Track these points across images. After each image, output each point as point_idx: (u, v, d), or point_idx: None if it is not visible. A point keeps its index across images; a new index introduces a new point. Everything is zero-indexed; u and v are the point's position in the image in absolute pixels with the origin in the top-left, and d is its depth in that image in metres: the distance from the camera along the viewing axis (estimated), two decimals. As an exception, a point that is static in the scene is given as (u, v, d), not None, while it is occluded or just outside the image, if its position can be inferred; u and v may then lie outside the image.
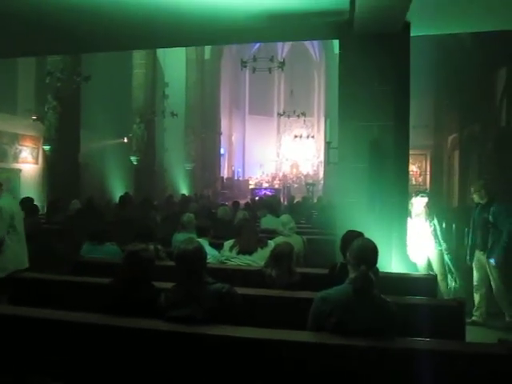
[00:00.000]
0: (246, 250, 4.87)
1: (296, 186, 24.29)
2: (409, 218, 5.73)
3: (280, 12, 5.63)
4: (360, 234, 3.96)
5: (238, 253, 4.88)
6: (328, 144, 6.64)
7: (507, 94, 13.16)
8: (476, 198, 5.49)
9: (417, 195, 5.94)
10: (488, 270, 5.39)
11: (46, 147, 12.80)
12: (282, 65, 13.18)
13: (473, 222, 5.56)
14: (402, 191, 5.44)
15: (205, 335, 2.73)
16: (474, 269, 5.55)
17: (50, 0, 5.54)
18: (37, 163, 17.24)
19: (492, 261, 5.28)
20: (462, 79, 15.34)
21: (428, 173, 20.82)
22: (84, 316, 2.95)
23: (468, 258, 5.59)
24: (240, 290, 3.49)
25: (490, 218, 5.28)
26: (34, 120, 14.86)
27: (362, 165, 5.40)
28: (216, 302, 2.88)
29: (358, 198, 5.43)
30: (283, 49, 25.02)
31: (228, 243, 5.05)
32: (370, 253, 2.82)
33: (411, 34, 5.73)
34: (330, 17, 5.65)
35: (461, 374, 2.36)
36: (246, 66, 12.65)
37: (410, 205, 5.80)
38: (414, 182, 19.80)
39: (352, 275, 2.84)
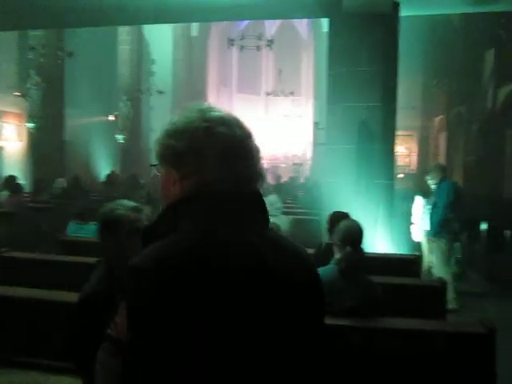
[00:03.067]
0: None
1: (284, 165, 24.24)
2: (418, 196, 5.77)
3: (269, -11, 5.55)
4: (346, 215, 3.99)
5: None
6: (316, 125, 6.62)
7: (494, 76, 13.21)
8: (430, 179, 5.40)
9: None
10: (429, 248, 5.43)
11: (30, 125, 12.57)
12: (270, 43, 13.01)
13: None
14: (388, 172, 5.47)
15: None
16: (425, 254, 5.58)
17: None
18: (21, 140, 16.95)
19: (429, 235, 5.31)
20: (449, 60, 15.36)
21: (414, 153, 20.95)
22: (68, 295, 2.94)
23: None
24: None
25: (435, 196, 5.28)
26: (16, 96, 14.54)
27: (350, 146, 5.41)
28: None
29: (345, 179, 5.46)
30: (271, 27, 24.68)
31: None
32: (355, 234, 2.84)
33: (401, 14, 5.70)
34: (319, -5, 5.59)
35: (442, 353, 2.42)
36: (233, 45, 12.47)
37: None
38: (401, 163, 19.95)
39: (338, 256, 2.87)
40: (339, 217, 3.86)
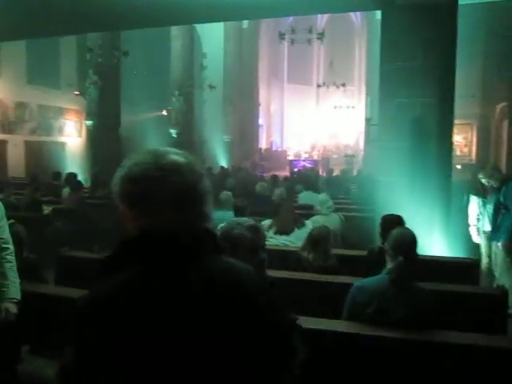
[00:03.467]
0: (284, 231, 4.88)
1: (335, 156, 23.91)
2: (473, 196, 5.51)
3: (319, -16, 5.44)
4: (399, 218, 3.90)
5: (276, 233, 4.91)
6: (368, 121, 6.46)
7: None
8: (492, 182, 5.05)
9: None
10: (493, 254, 5.07)
11: (88, 122, 13.10)
12: (321, 36, 12.81)
13: (491, 207, 5.17)
14: (445, 173, 5.25)
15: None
16: (494, 256, 5.17)
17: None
18: (80, 136, 17.73)
19: (498, 243, 4.92)
20: (511, 45, 14.47)
21: (474, 143, 20.01)
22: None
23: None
24: (276, 273, 3.53)
25: (501, 198, 4.92)
26: (76, 95, 15.20)
27: (403, 144, 5.24)
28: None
29: (399, 178, 5.30)
30: (323, 17, 24.23)
31: (265, 223, 5.07)
32: (407, 243, 2.76)
33: (459, 3, 5.42)
34: (371, -12, 5.41)
35: (503, 372, 2.31)
36: (284, 39, 12.37)
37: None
38: (458, 153, 19.13)
39: (389, 265, 2.80)
40: (392, 221, 3.77)
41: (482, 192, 5.40)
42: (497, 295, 3.40)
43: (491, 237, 5.08)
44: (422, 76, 5.14)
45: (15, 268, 2.77)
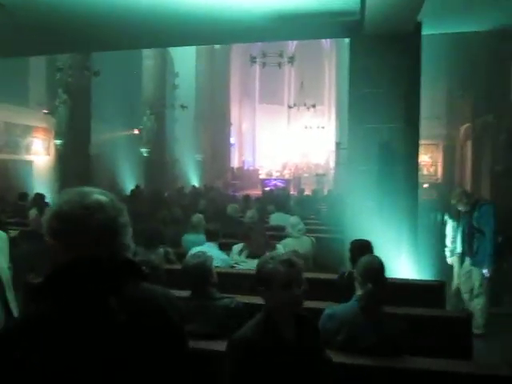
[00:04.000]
0: (255, 254, 4.88)
1: (306, 175, 24.21)
2: (449, 220, 5.61)
3: (290, 12, 5.58)
4: (368, 243, 3.98)
5: (247, 257, 4.91)
6: (338, 145, 6.60)
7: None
8: (460, 206, 5.20)
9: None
10: (472, 278, 5.17)
11: (58, 141, 12.91)
12: (291, 60, 13.09)
13: (462, 230, 5.32)
14: (412, 194, 5.41)
15: (212, 351, 2.77)
16: (463, 278, 5.33)
17: (61, 2, 5.54)
18: (48, 154, 17.39)
19: (483, 271, 5.03)
20: (475, 69, 15.10)
21: (440, 163, 20.61)
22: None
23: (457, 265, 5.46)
24: (247, 299, 3.53)
25: (474, 222, 5.06)
26: (45, 114, 14.97)
27: (372, 167, 5.38)
28: (225, 318, 2.91)
29: (368, 200, 5.43)
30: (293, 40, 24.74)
31: (237, 247, 5.08)
32: (376, 271, 2.82)
33: (423, 33, 5.65)
34: (340, 16, 5.59)
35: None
36: (255, 62, 12.59)
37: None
38: (425, 172, 19.66)
39: (359, 292, 2.86)
40: (360, 246, 3.85)
41: (456, 215, 5.51)
42: (462, 318, 3.50)
43: (472, 262, 5.17)
44: (388, 102, 5.32)
45: None
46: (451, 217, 5.58)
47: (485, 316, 4.99)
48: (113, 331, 1.15)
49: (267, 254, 2.15)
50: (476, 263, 5.11)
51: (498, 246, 4.99)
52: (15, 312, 2.99)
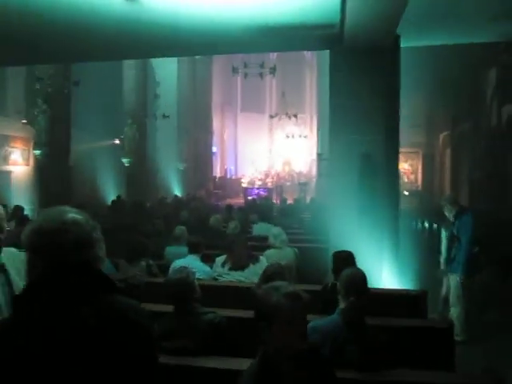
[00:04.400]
0: (238, 266, 4.89)
1: (289, 184, 24.31)
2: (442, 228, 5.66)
3: (271, 24, 5.62)
4: (350, 255, 4.00)
5: (230, 269, 4.91)
6: (319, 156, 6.66)
7: (497, 94, 13.26)
8: (446, 212, 5.31)
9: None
10: (449, 285, 5.29)
11: (37, 151, 12.73)
12: (273, 70, 13.20)
13: (446, 238, 5.42)
14: (393, 205, 5.47)
15: (197, 368, 2.75)
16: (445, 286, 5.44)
17: (41, 11, 5.49)
18: (28, 164, 17.11)
19: (456, 276, 5.16)
20: (453, 80, 15.43)
21: (420, 170, 20.93)
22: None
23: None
24: (231, 312, 3.52)
25: (455, 231, 5.18)
26: (24, 123, 14.75)
27: (353, 177, 5.43)
28: (209, 333, 2.90)
29: (350, 210, 5.47)
30: (275, 47, 24.91)
31: (220, 259, 5.07)
32: (358, 284, 2.84)
33: (401, 46, 5.76)
34: (320, 29, 5.66)
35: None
36: (237, 72, 12.65)
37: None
38: (406, 180, 19.93)
39: (342, 305, 2.87)
40: (343, 258, 3.87)
41: (446, 223, 5.57)
42: (444, 328, 3.54)
43: (449, 268, 5.29)
44: (368, 114, 5.39)
45: None
46: (446, 226, 5.63)
47: (462, 324, 5.08)
48: (83, 339, 1.23)
49: (269, 284, 1.94)
50: (452, 270, 5.24)
51: (473, 256, 5.10)
52: None
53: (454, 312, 5.15)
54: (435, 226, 5.79)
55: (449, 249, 5.29)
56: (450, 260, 5.28)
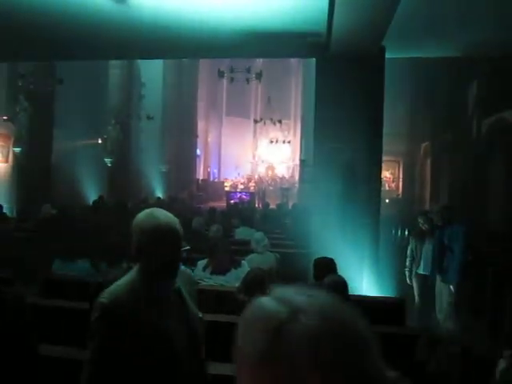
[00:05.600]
0: (220, 271, 4.89)
1: (271, 188, 24.36)
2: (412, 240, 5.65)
3: (257, 31, 5.67)
4: (331, 262, 4.04)
5: (212, 273, 4.90)
6: (303, 162, 6.71)
7: (478, 106, 13.54)
8: (437, 219, 5.37)
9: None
10: (441, 294, 5.30)
11: (17, 149, 12.53)
12: (259, 76, 13.26)
13: (432, 248, 5.40)
14: (374, 212, 5.55)
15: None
16: (438, 297, 5.41)
17: (27, 10, 5.43)
18: (7, 162, 16.81)
19: (449, 286, 5.19)
20: (435, 90, 15.70)
21: (400, 179, 21.21)
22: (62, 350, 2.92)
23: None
24: (212, 317, 3.53)
25: (445, 240, 5.20)
26: (4, 120, 14.50)
27: (336, 185, 5.50)
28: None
29: (332, 217, 5.53)
30: (261, 52, 25.03)
31: (201, 263, 5.06)
32: (340, 292, 2.88)
33: (386, 56, 5.86)
34: (307, 37, 5.71)
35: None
36: (223, 77, 12.69)
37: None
38: (387, 188, 20.15)
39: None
40: (324, 264, 3.90)
41: (418, 235, 5.59)
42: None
43: (442, 279, 5.27)
44: (352, 123, 5.47)
45: None
46: (414, 237, 5.64)
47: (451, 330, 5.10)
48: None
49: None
50: (446, 280, 5.22)
51: (467, 264, 5.15)
52: None
53: (445, 319, 5.18)
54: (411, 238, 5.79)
55: (439, 259, 5.25)
56: (441, 270, 5.24)
